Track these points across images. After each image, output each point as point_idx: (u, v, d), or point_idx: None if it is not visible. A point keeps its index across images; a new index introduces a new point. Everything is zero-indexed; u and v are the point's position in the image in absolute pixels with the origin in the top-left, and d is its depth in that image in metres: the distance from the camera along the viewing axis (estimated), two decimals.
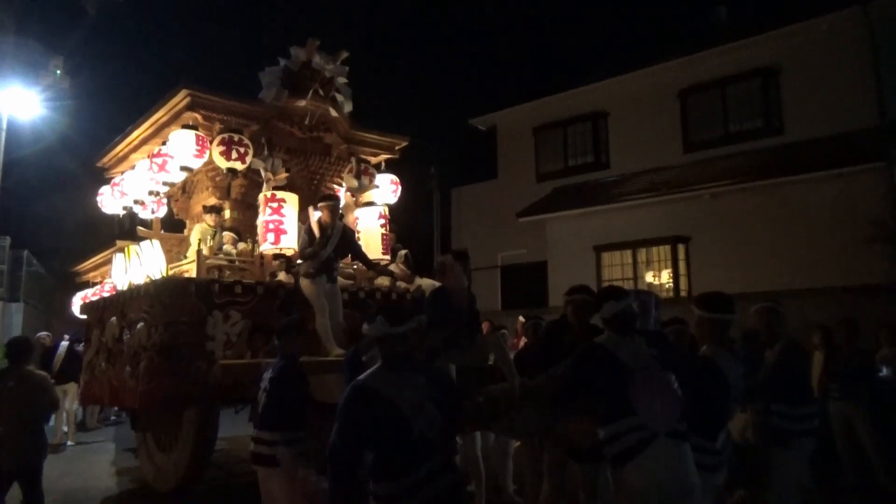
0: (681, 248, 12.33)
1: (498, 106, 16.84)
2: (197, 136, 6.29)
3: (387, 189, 7.66)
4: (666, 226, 12.27)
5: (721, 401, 3.47)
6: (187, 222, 7.88)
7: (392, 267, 7.25)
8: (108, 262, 8.05)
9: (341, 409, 2.76)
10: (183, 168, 6.27)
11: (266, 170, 6.38)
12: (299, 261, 6.14)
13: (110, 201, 7.73)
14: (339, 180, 7.81)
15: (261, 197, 6.25)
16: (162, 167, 6.56)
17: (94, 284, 8.76)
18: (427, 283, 7.53)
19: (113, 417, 11.55)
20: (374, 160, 7.78)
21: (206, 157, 6.34)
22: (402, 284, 7.28)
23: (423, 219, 17.67)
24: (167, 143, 6.50)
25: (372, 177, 7.46)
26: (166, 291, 5.68)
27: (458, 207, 17.73)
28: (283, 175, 6.45)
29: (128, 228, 7.69)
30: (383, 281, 7.11)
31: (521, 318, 7.24)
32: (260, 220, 6.16)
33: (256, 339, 6.00)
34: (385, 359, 2.87)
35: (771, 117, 12.50)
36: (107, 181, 8.22)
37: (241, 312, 5.93)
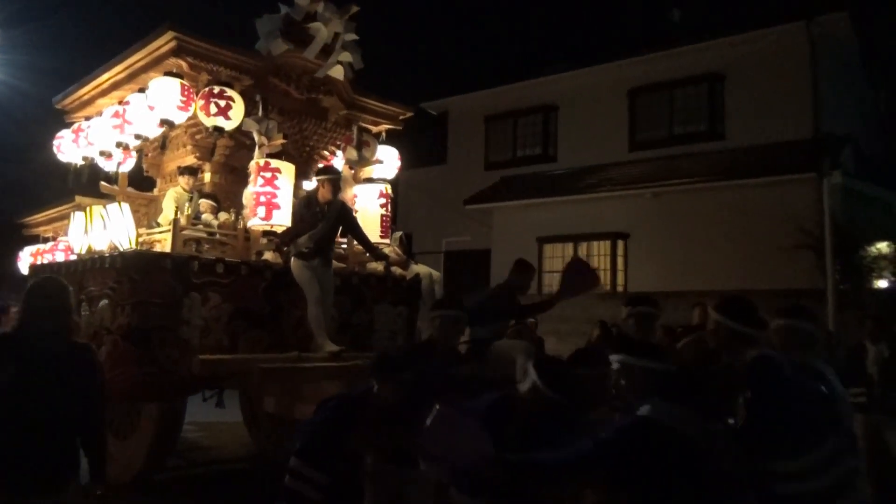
0: (620, 244, 12.64)
1: (451, 91, 16.66)
2: (182, 85, 5.43)
3: (389, 164, 6.92)
4: (607, 221, 12.52)
5: None
6: (158, 181, 7.01)
7: (387, 250, 6.59)
8: (63, 217, 7.13)
9: None
10: (164, 122, 5.41)
11: (260, 133, 5.58)
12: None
13: (70, 148, 6.76)
14: (333, 149, 7.06)
15: (252, 164, 5.46)
16: (136, 117, 5.70)
17: (46, 240, 7.80)
18: (424, 270, 6.94)
19: None
20: (374, 130, 7.02)
21: (191, 111, 5.50)
22: (397, 270, 6.64)
23: None
24: (145, 90, 5.62)
25: (373, 149, 6.71)
26: (137, 266, 4.89)
27: (405, 190, 17.26)
28: (280, 141, 5.65)
29: (86, 181, 6.75)
30: (377, 265, 6.45)
31: None
32: (250, 191, 5.39)
33: (236, 325, 5.29)
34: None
35: (714, 122, 12.82)
36: (65, 125, 7.24)
37: (222, 295, 5.20)
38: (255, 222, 5.32)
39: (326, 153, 7.06)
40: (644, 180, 12.32)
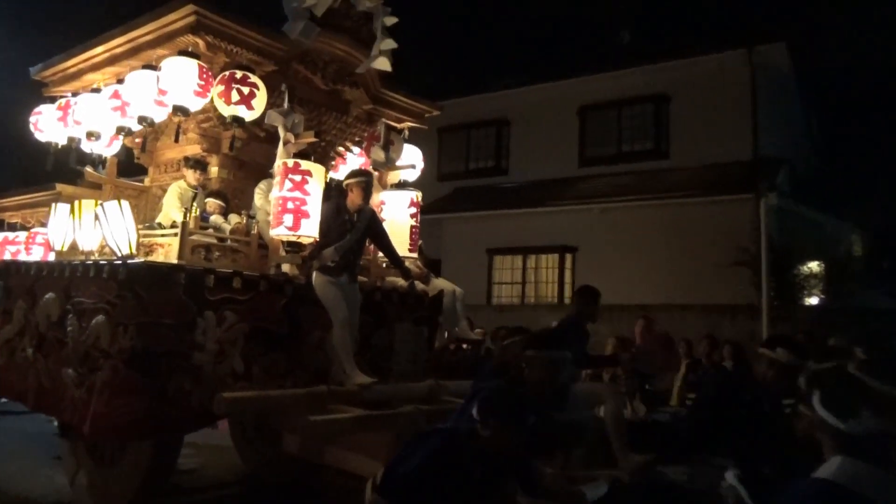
0: (568, 258, 13.03)
1: None
2: (201, 67, 4.69)
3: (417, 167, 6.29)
4: (556, 235, 12.83)
5: None
6: (150, 170, 6.20)
7: (408, 262, 5.98)
8: (38, 203, 6.24)
9: None
10: (178, 108, 4.66)
11: (285, 128, 4.87)
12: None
13: (53, 127, 5.88)
14: (349, 145, 6.40)
15: (278, 165, 4.75)
16: (135, 98, 4.93)
17: (13, 227, 6.86)
18: (447, 286, 6.36)
19: None
20: (397, 127, 6.38)
21: (208, 98, 4.77)
22: (418, 285, 6.03)
23: None
24: (152, 67, 4.86)
25: (399, 149, 6.07)
26: (144, 280, 4.15)
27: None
28: (309, 139, 4.95)
29: (73, 165, 5.90)
30: (397, 278, 5.84)
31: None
32: (275, 195, 4.69)
33: (252, 348, 4.60)
34: None
35: (660, 142, 13.43)
36: (41, 99, 6.34)
37: (238, 313, 4.51)
38: (281, 231, 4.62)
39: (341, 150, 6.41)
40: (592, 196, 12.77)
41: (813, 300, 10.95)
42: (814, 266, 11.14)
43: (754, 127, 12.37)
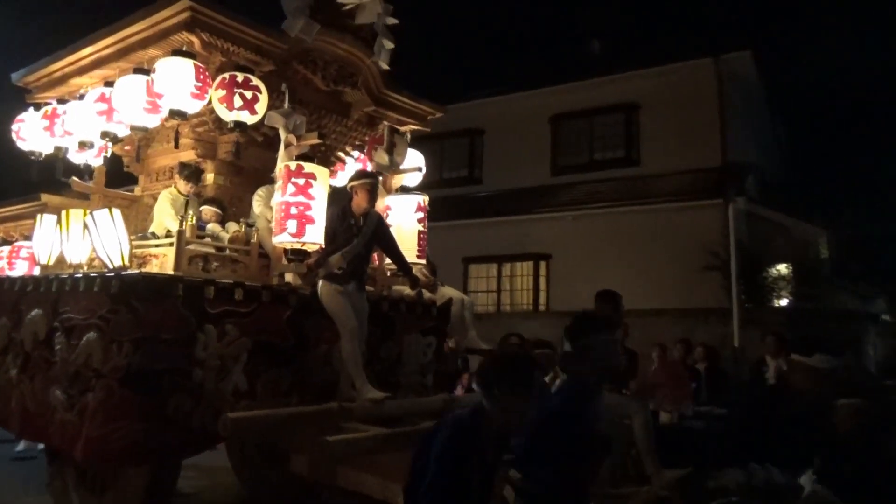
0: (542, 265, 13.11)
1: None
2: (197, 68, 4.42)
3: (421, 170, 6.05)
4: (530, 243, 12.95)
5: None
6: (141, 178, 5.91)
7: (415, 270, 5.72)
8: (20, 216, 5.92)
9: None
10: (175, 112, 4.38)
11: (287, 129, 4.61)
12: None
13: (38, 136, 5.57)
14: (349, 150, 6.15)
15: (279, 169, 4.48)
16: (125, 104, 4.64)
17: None
18: (456, 295, 6.10)
19: None
20: (400, 129, 6.13)
21: (206, 100, 4.50)
22: (426, 293, 5.77)
23: None
24: (146, 71, 4.58)
25: (402, 152, 5.82)
26: (140, 292, 3.86)
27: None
28: (313, 140, 4.69)
29: (59, 177, 5.60)
30: (404, 287, 5.57)
31: None
32: (277, 201, 4.42)
33: (255, 363, 4.32)
34: None
35: (631, 149, 13.54)
36: (22, 104, 6.03)
37: (240, 327, 4.23)
38: (285, 238, 4.34)
39: (342, 154, 6.16)
40: (565, 204, 12.88)
41: (782, 302, 11.16)
42: (782, 269, 11.32)
43: (722, 134, 12.55)
